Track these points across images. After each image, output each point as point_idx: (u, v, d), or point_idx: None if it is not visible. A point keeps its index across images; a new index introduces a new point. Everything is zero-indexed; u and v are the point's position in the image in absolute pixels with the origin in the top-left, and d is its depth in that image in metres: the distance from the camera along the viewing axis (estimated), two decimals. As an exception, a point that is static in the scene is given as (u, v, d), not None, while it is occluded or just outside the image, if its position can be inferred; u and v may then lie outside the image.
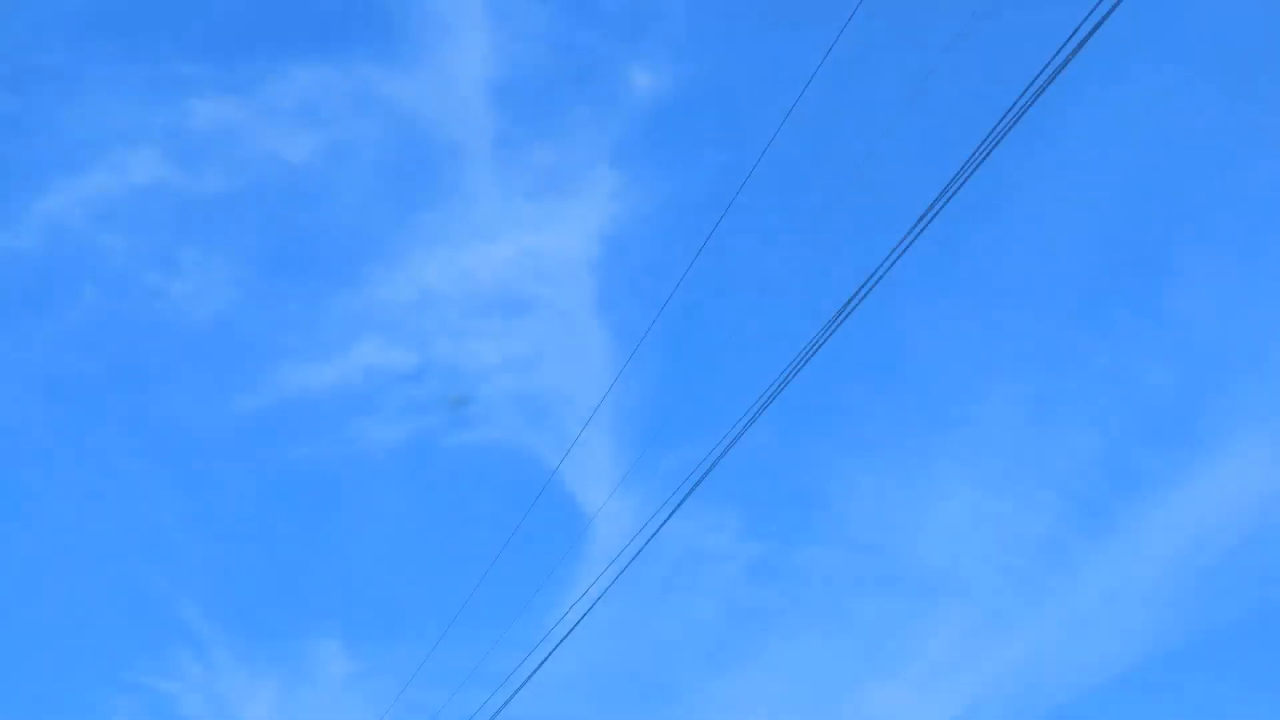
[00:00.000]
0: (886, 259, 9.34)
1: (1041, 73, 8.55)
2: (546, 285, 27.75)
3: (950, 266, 26.23)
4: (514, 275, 27.78)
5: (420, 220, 28.16)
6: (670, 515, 11.47)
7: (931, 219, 9.13)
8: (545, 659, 13.41)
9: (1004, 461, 26.10)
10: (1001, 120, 8.79)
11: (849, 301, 9.64)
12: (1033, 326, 26.75)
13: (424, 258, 28.17)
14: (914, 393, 27.60)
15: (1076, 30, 8.26)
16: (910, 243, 9.22)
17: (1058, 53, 8.43)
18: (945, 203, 9.07)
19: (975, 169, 8.95)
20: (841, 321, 9.75)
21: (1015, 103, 8.71)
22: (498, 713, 14.79)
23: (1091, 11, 8.16)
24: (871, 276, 9.46)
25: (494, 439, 28.61)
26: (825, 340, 9.90)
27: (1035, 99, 8.68)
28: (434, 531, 29.47)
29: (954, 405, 26.77)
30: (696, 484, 11.15)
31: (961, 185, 9.01)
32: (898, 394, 27.81)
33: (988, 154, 8.89)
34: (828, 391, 26.93)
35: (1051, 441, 25.96)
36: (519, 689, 14.14)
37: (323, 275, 28.90)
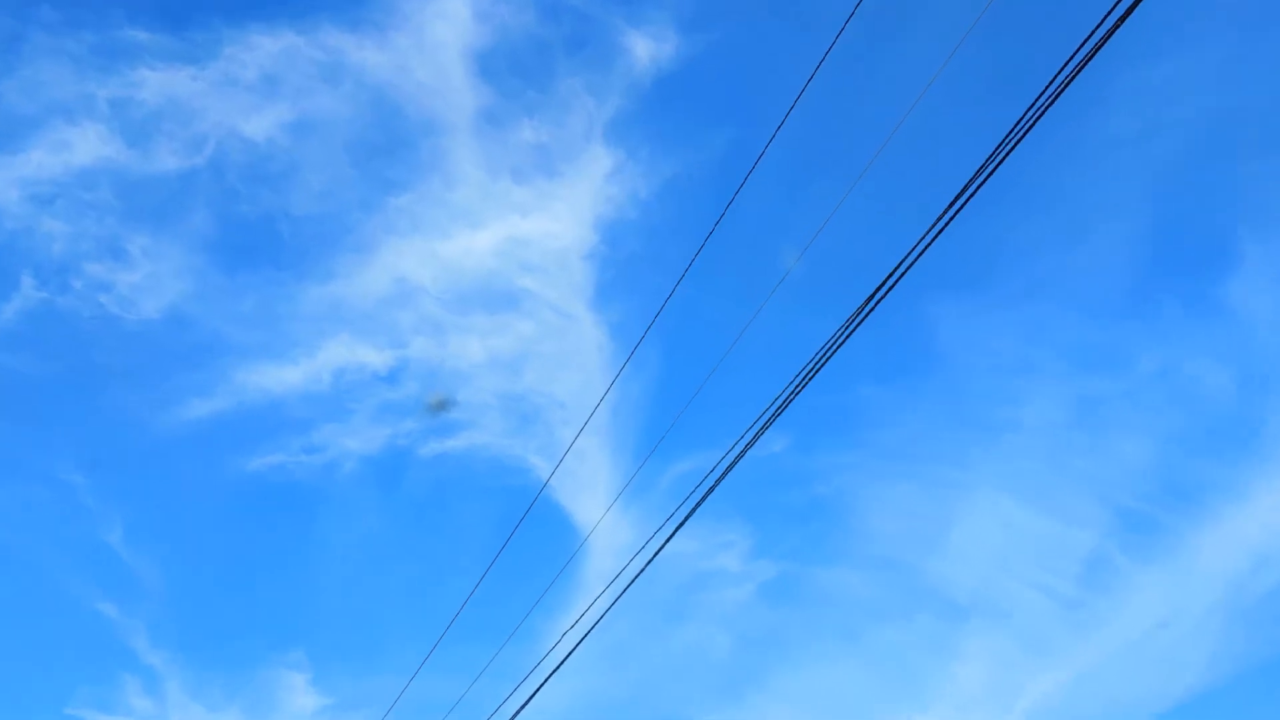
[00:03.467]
0: (912, 250, 9.00)
1: (1080, 48, 8.19)
2: (535, 277, 27.15)
3: (982, 258, 25.51)
4: (499, 265, 27.18)
5: (395, 204, 27.53)
6: (674, 533, 11.08)
7: (961, 207, 8.79)
8: (536, 691, 13.03)
9: (1044, 471, 25.43)
10: (1037, 100, 8.41)
11: (871, 297, 9.31)
12: (1075, 323, 26.06)
13: (399, 246, 27.54)
14: (943, 396, 26.93)
15: (1115, 5, 7.93)
16: (938, 233, 8.89)
17: (1097, 27, 8.08)
18: (976, 189, 8.71)
19: (1009, 152, 8.57)
20: (863, 319, 9.42)
21: (1051, 81, 8.34)
22: (484, 748, 14.17)
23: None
24: (895, 270, 9.10)
25: (478, 447, 27.98)
26: (844, 339, 9.56)
27: (1074, 77, 8.35)
28: (411, 550, 28.74)
29: (988, 410, 26.08)
30: (703, 498, 10.76)
31: (994, 169, 8.65)
32: (925, 398, 27.16)
33: (1022, 136, 8.53)
34: (847, 396, 26.24)
35: (1097, 450, 25.29)
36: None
37: (287, 265, 28.20)
